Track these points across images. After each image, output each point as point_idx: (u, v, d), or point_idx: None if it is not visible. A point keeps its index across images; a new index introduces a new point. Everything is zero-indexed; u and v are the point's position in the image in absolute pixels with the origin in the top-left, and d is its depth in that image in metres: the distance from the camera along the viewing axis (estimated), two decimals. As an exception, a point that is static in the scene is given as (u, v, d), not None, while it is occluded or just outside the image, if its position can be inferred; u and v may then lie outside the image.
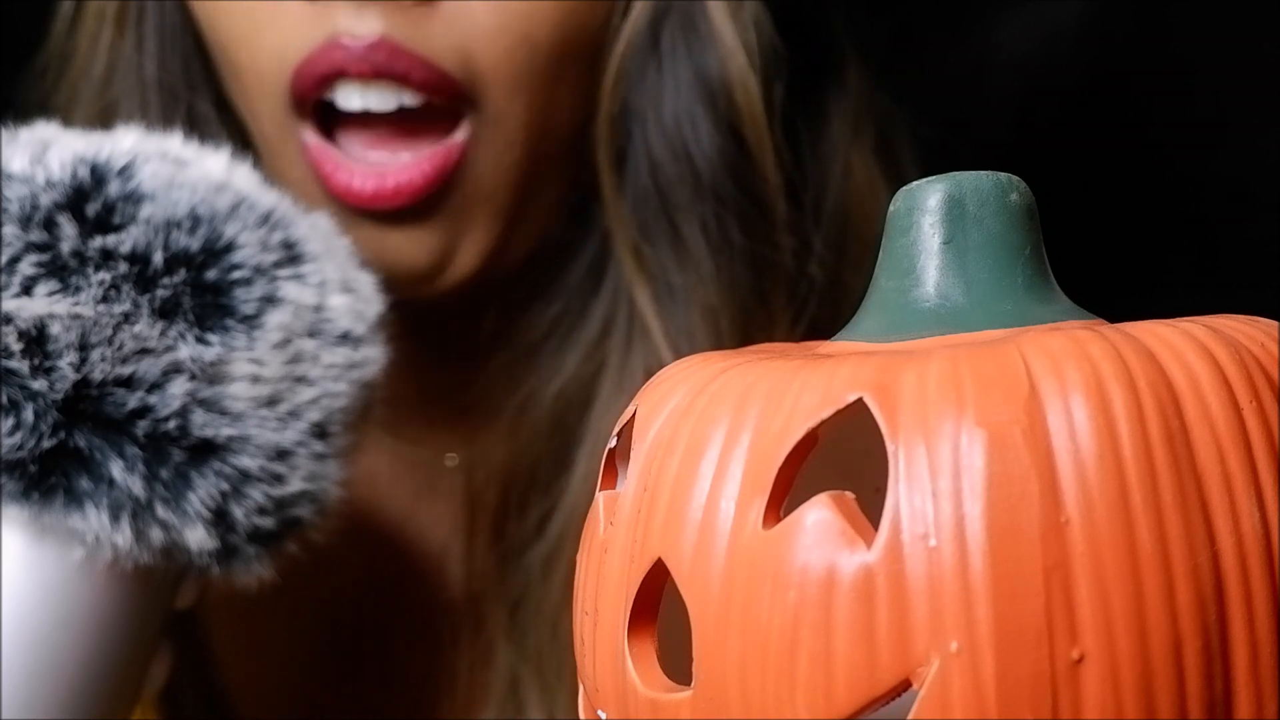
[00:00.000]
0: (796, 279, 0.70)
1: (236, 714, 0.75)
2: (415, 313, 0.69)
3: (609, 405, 0.69)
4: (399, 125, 0.66)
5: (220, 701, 0.74)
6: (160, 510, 0.53)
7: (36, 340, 0.52)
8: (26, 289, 0.53)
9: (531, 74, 0.65)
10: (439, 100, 0.64)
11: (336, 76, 0.64)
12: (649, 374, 0.67)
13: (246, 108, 0.68)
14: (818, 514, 0.36)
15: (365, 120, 0.65)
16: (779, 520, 0.37)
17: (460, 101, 0.64)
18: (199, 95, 0.71)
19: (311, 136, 0.65)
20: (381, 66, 0.63)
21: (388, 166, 0.64)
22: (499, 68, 0.64)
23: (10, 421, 0.52)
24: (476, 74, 0.64)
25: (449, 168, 0.65)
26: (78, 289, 0.53)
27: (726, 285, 0.67)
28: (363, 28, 0.63)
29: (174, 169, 0.56)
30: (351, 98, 0.64)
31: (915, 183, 0.42)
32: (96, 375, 0.52)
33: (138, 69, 0.71)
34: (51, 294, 0.53)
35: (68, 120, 0.71)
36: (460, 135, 0.65)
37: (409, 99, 0.64)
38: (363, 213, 0.65)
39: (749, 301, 0.68)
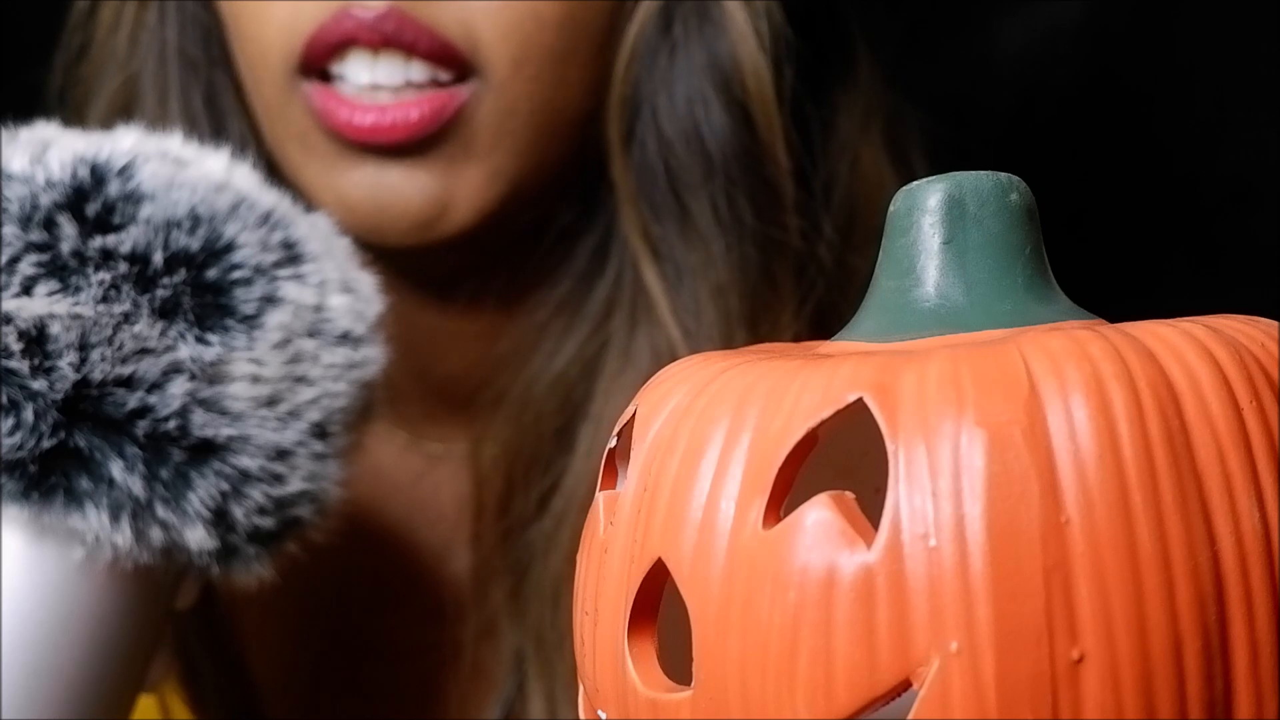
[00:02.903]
0: (805, 260, 0.71)
1: (259, 698, 0.75)
2: (421, 298, 0.70)
3: (612, 385, 0.70)
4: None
5: (242, 687, 0.75)
6: (160, 510, 0.53)
7: (36, 340, 0.52)
8: (26, 289, 0.53)
9: (537, 48, 0.66)
10: (444, 73, 0.66)
11: (348, 45, 0.65)
12: (655, 352, 0.68)
13: (250, 75, 0.69)
14: (818, 514, 0.36)
15: (371, 89, 0.67)
16: (779, 520, 0.37)
17: (463, 72, 0.66)
18: (218, 69, 0.72)
19: (314, 86, 0.67)
20: (391, 35, 0.64)
21: (387, 103, 0.66)
22: (504, 40, 0.65)
23: (10, 421, 0.52)
24: (481, 45, 0.65)
25: (444, 113, 0.66)
26: (78, 289, 0.53)
27: (735, 265, 0.68)
28: None
29: (174, 169, 0.56)
30: (360, 71, 0.66)
31: (915, 183, 0.42)
32: (96, 375, 0.52)
33: (159, 38, 0.73)
34: (51, 294, 0.53)
35: (94, 95, 0.73)
36: (461, 91, 0.66)
37: (416, 73, 0.66)
38: (363, 147, 0.66)
39: (757, 281, 0.69)
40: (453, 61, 0.65)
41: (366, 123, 0.65)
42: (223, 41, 0.71)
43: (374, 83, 0.66)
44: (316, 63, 0.66)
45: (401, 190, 0.66)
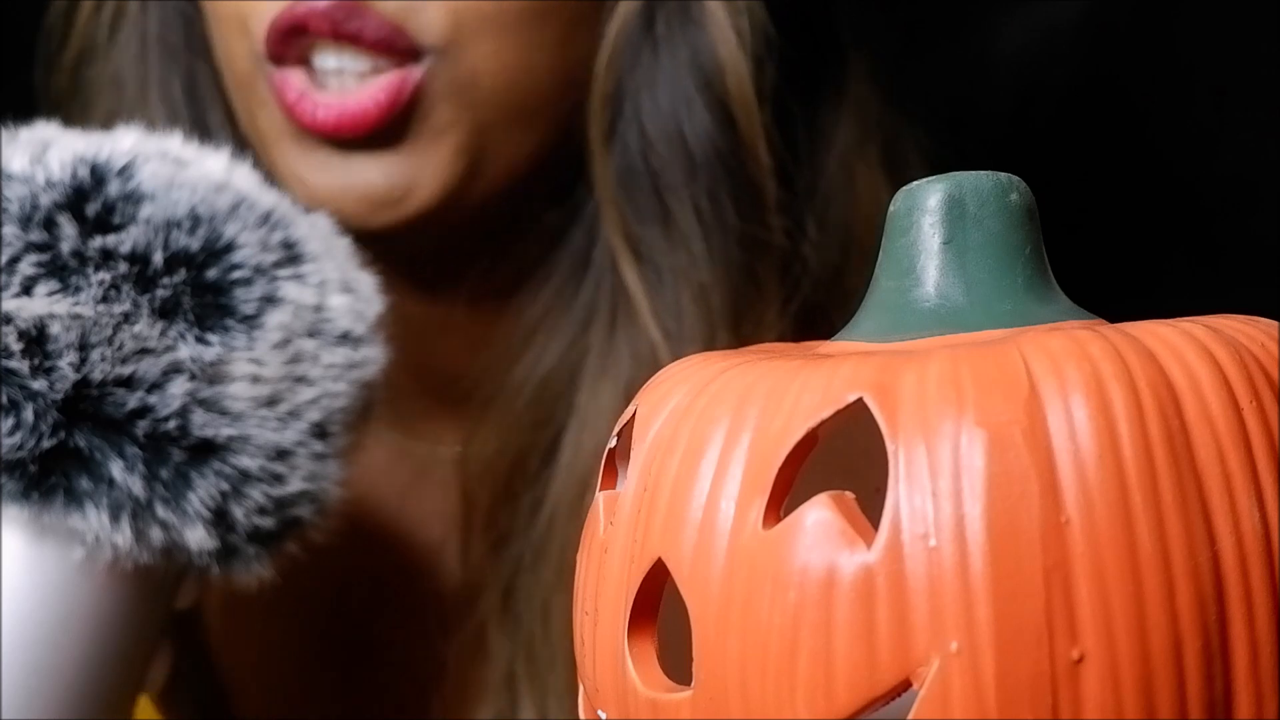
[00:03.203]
0: (789, 260, 0.70)
1: (232, 705, 0.75)
2: (413, 298, 0.70)
3: (594, 390, 0.70)
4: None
5: (216, 694, 0.75)
6: (160, 510, 0.53)
7: (36, 340, 0.52)
8: (26, 289, 0.53)
9: (493, 20, 0.66)
10: (399, 60, 0.66)
11: (300, 31, 0.65)
12: (635, 356, 0.68)
13: (223, 52, 0.69)
14: (818, 514, 0.36)
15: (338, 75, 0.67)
16: (779, 520, 0.37)
17: (418, 51, 0.66)
18: (199, 60, 0.72)
19: (278, 74, 0.67)
20: (339, 25, 0.64)
21: (346, 96, 0.66)
22: (456, 12, 0.65)
23: (10, 421, 0.52)
24: (430, 20, 0.65)
25: (403, 97, 0.66)
26: (78, 289, 0.53)
27: (719, 265, 0.68)
28: None
29: (174, 169, 0.56)
30: (328, 59, 0.66)
31: (915, 183, 0.42)
32: (96, 375, 0.52)
33: (140, 28, 0.73)
34: (51, 294, 0.53)
35: (77, 86, 0.73)
36: (415, 70, 0.66)
37: (383, 61, 0.66)
38: (327, 140, 0.66)
39: (740, 281, 0.69)
40: (402, 49, 0.65)
41: (330, 118, 0.65)
42: (204, 32, 0.71)
43: (341, 69, 0.66)
44: (277, 50, 0.66)
45: (365, 173, 0.67)
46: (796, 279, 0.71)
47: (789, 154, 0.71)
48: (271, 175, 0.66)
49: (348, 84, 0.65)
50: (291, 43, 0.65)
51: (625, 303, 0.69)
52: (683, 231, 0.68)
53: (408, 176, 0.67)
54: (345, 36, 0.65)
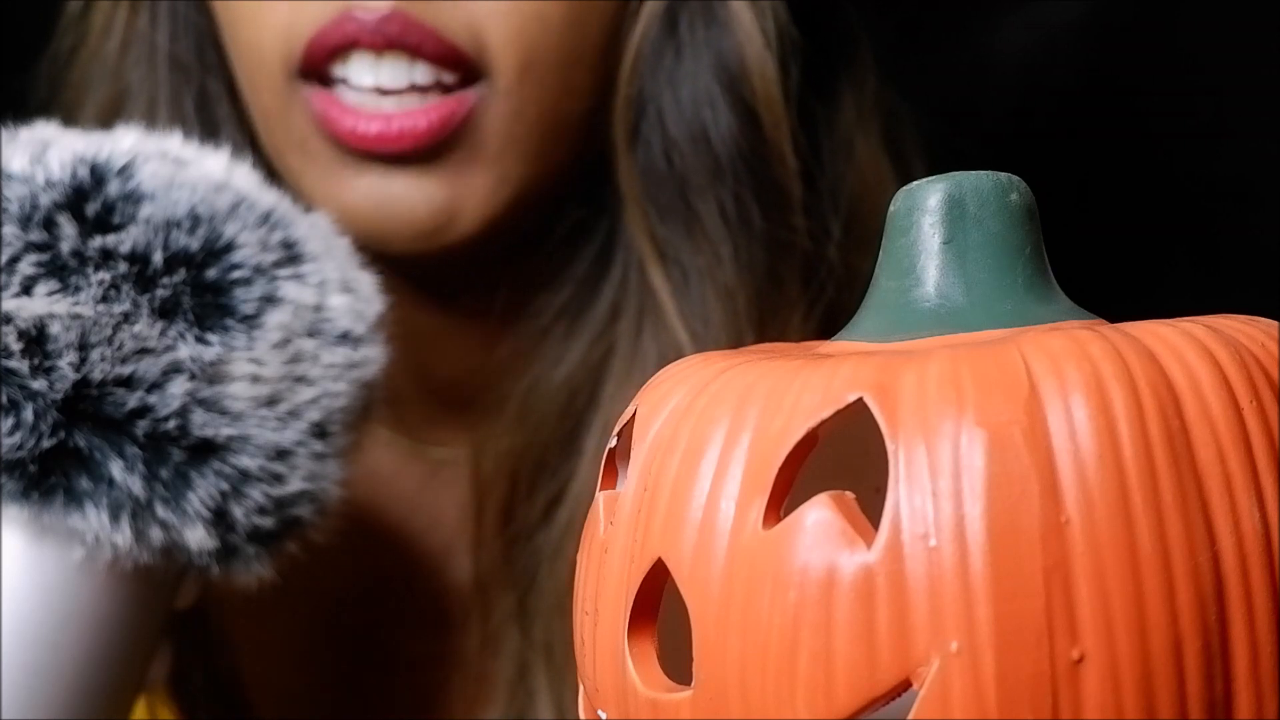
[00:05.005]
0: (814, 262, 0.70)
1: (248, 705, 0.75)
2: (422, 301, 0.70)
3: (618, 390, 0.69)
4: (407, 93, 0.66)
5: (232, 694, 0.75)
6: (160, 510, 0.53)
7: (36, 340, 0.52)
8: (26, 289, 0.53)
9: (544, 50, 0.65)
10: (449, 75, 0.65)
11: (349, 47, 0.64)
12: (662, 357, 0.68)
13: (248, 80, 0.68)
14: (818, 514, 0.36)
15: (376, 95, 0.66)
16: (779, 520, 0.37)
17: (469, 76, 0.65)
18: (211, 75, 0.72)
19: (317, 91, 0.66)
20: (394, 38, 0.63)
21: (393, 111, 0.65)
22: (510, 43, 0.65)
23: (10, 421, 0.52)
24: (487, 49, 0.65)
25: (453, 121, 0.65)
26: (77, 289, 0.53)
27: (744, 267, 0.68)
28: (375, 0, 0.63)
29: (174, 169, 0.56)
30: (364, 74, 0.65)
31: (915, 183, 0.42)
32: (96, 375, 0.52)
33: (150, 44, 0.72)
34: (51, 294, 0.53)
35: (82, 100, 0.72)
36: (469, 96, 0.65)
37: (420, 76, 0.65)
38: (368, 156, 0.65)
39: (765, 283, 0.68)
40: (459, 64, 0.64)
41: (372, 131, 0.64)
42: (217, 46, 0.70)
43: (378, 85, 0.65)
44: (317, 66, 0.65)
45: (407, 198, 0.65)
46: (821, 282, 0.70)
47: (813, 154, 0.71)
48: (303, 206, 0.66)
49: (385, 106, 0.65)
50: (334, 57, 0.64)
51: (653, 303, 0.69)
52: (708, 233, 0.68)
53: (451, 205, 0.66)
54: (405, 48, 0.63)
